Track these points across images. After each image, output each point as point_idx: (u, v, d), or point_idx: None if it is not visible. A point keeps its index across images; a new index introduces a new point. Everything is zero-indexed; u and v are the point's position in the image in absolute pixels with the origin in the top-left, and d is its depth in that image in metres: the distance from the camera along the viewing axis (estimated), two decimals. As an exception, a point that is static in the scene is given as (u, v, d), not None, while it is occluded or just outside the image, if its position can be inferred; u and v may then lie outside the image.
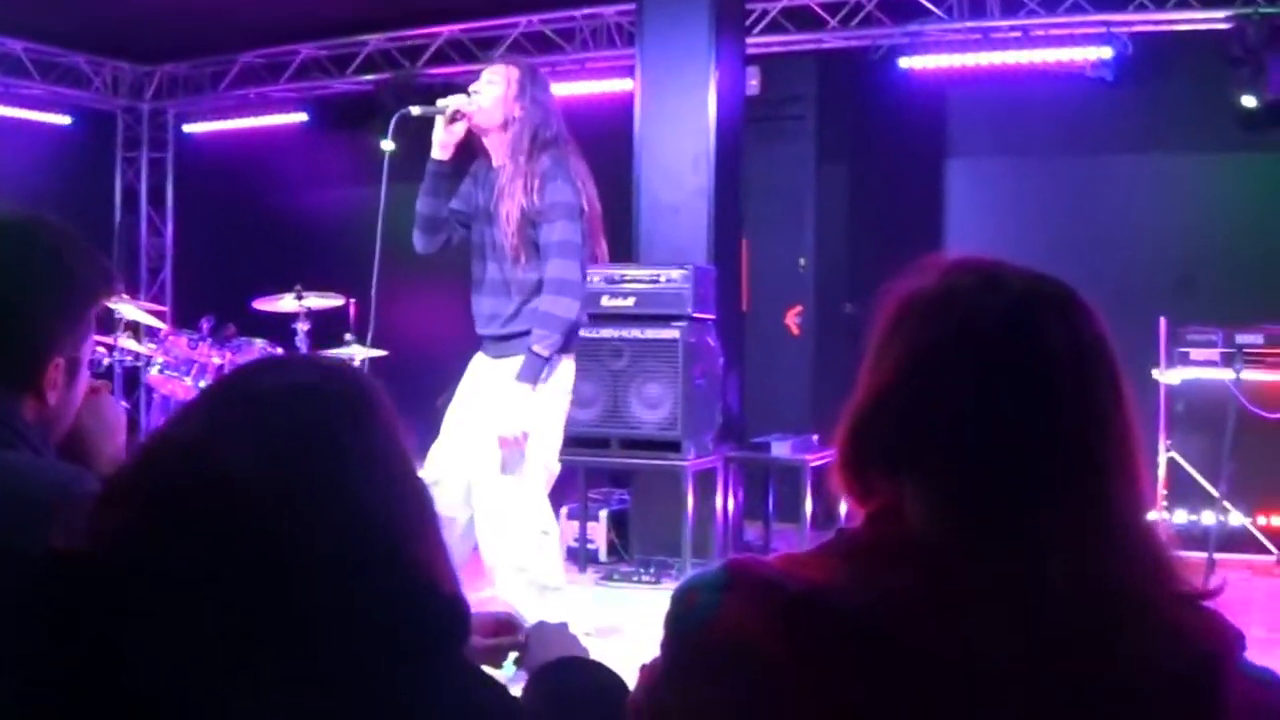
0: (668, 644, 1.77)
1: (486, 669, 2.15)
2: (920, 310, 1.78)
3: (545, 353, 6.10)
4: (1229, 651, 1.69)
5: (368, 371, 2.12)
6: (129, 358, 11.38)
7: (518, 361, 6.12)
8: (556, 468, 6.44)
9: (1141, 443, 1.77)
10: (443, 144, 6.32)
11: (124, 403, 11.70)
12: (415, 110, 6.35)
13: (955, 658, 1.62)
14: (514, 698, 2.01)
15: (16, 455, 2.33)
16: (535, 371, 6.10)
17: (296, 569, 1.79)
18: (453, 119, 6.31)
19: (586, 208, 6.31)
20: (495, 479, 6.14)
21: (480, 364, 6.46)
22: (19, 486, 2.20)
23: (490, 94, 6.28)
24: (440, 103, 6.34)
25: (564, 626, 2.54)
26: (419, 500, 1.98)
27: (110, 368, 11.18)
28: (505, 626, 2.58)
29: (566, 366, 6.33)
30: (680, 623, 1.75)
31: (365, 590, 1.81)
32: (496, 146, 6.33)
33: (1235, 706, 1.66)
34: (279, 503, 1.81)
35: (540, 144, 6.23)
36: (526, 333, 6.15)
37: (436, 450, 6.32)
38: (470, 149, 6.48)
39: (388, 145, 6.48)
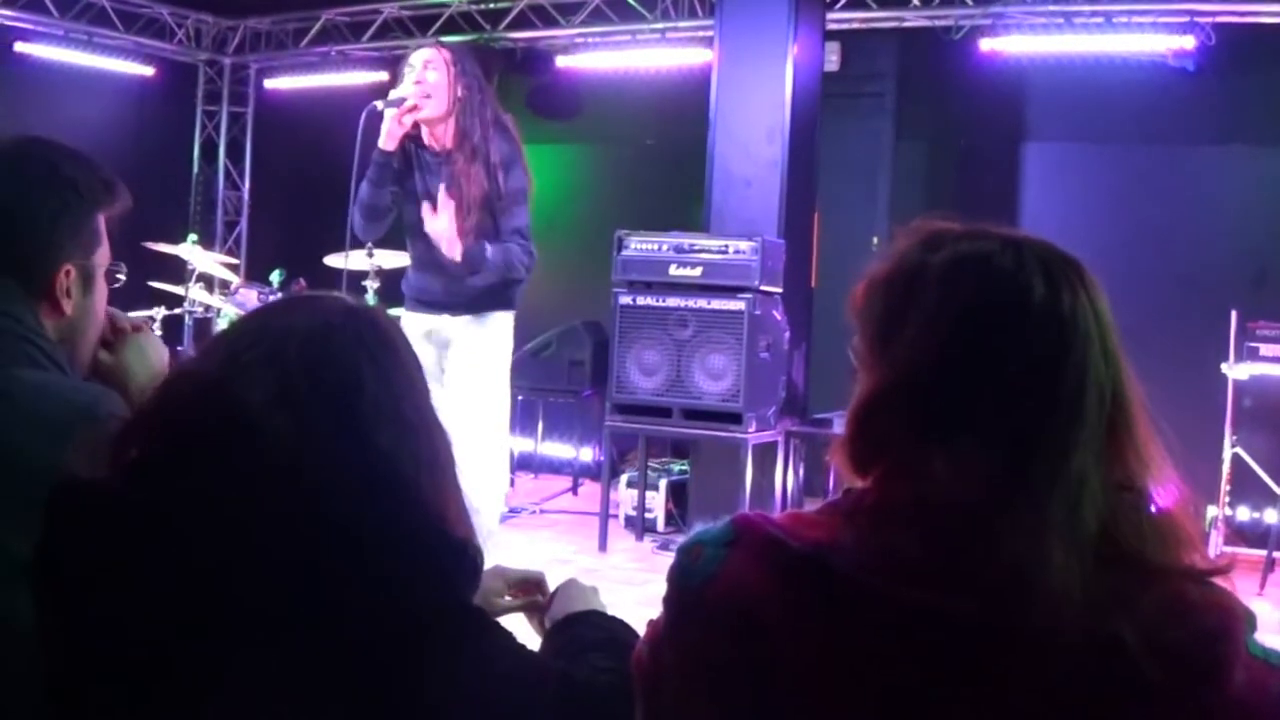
0: (670, 598, 1.80)
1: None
2: (942, 280, 1.79)
3: (487, 257, 6.42)
4: (1236, 629, 1.68)
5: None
6: (200, 308, 11.48)
7: (490, 317, 6.50)
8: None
9: (1148, 414, 1.78)
10: (392, 134, 6.41)
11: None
12: (380, 105, 6.43)
13: (962, 617, 1.62)
14: (520, 644, 2.02)
15: (44, 374, 2.37)
16: (476, 259, 6.43)
17: (306, 504, 1.81)
18: (409, 110, 6.39)
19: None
20: (476, 428, 6.32)
21: (436, 323, 6.63)
22: (43, 404, 2.24)
23: (435, 81, 6.37)
24: (394, 94, 6.41)
25: (594, 589, 2.54)
26: (433, 443, 2.00)
27: (181, 318, 11.28)
28: (530, 584, 2.59)
29: (510, 323, 6.68)
30: (684, 576, 1.78)
31: (372, 528, 1.83)
32: (441, 132, 6.44)
33: (1240, 685, 1.65)
34: (291, 439, 1.84)
35: (487, 125, 6.36)
36: (493, 299, 6.42)
37: None
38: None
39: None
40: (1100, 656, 1.61)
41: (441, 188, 6.40)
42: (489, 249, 6.38)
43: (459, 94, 6.40)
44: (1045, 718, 1.62)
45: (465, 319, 6.56)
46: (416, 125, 6.53)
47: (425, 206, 6.48)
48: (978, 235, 1.82)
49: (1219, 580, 1.74)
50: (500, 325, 6.60)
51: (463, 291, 6.56)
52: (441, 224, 6.32)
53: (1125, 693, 1.61)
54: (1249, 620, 1.72)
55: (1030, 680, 1.61)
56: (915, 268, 1.81)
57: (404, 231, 6.81)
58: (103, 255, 2.60)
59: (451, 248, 6.33)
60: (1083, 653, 1.60)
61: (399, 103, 6.37)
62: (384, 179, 6.50)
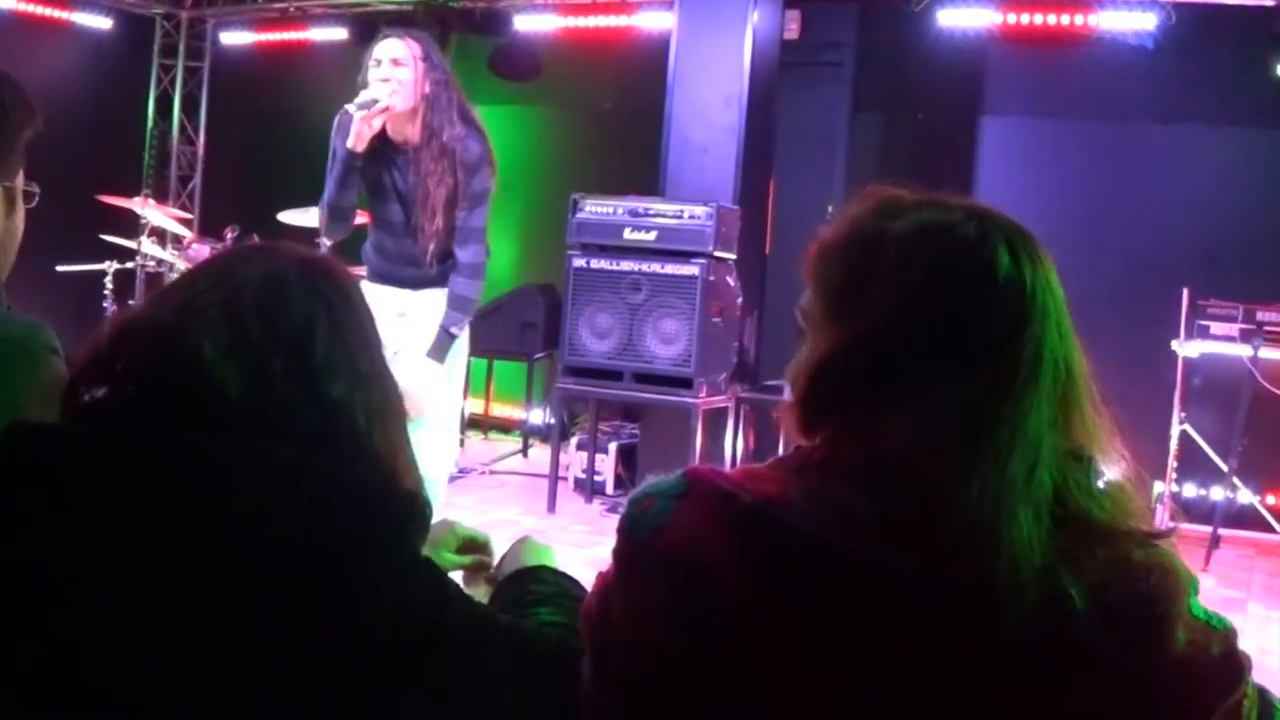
0: (620, 549, 1.81)
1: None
2: (903, 247, 1.80)
3: (457, 333, 6.33)
4: (1178, 590, 1.72)
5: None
6: (152, 263, 11.42)
7: (442, 294, 6.36)
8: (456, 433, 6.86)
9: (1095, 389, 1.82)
10: (360, 136, 6.24)
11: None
12: (351, 108, 6.25)
13: (910, 573, 1.63)
14: (469, 596, 2.02)
15: None
16: (445, 350, 6.31)
17: (257, 451, 1.82)
18: (380, 112, 6.25)
19: None
20: (429, 394, 6.31)
21: (395, 294, 6.55)
22: None
23: (404, 79, 6.23)
24: (364, 96, 6.24)
25: (548, 548, 2.53)
26: (385, 395, 2.01)
27: (133, 272, 11.23)
28: (476, 545, 2.58)
29: (466, 330, 6.54)
30: (634, 527, 1.78)
31: (323, 475, 1.83)
32: (406, 126, 6.32)
33: (1182, 646, 1.68)
34: (244, 387, 1.84)
35: (455, 123, 6.26)
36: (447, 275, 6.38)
37: None
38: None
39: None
40: (1049, 615, 1.62)
41: (406, 182, 6.34)
42: (451, 312, 6.39)
43: (426, 89, 6.25)
44: (992, 672, 1.63)
45: (425, 291, 6.50)
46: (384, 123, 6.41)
47: (392, 203, 6.45)
48: (939, 205, 1.84)
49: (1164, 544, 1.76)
50: None
51: (409, 283, 6.50)
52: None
53: (1071, 649, 1.63)
54: (1191, 583, 1.74)
55: (980, 635, 1.62)
56: (874, 233, 1.81)
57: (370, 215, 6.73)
58: (21, 176, 2.54)
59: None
60: (1034, 610, 1.62)
61: (370, 104, 6.25)
62: (350, 181, 6.37)
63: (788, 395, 1.90)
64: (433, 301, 6.43)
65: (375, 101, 6.16)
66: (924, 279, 1.76)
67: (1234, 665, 1.74)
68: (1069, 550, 1.67)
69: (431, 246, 6.27)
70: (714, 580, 1.67)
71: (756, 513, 1.69)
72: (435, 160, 6.21)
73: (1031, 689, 1.63)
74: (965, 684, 1.63)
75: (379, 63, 6.23)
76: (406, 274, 6.46)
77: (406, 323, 6.43)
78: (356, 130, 6.19)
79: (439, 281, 6.41)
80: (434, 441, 6.30)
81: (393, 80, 6.19)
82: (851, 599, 1.64)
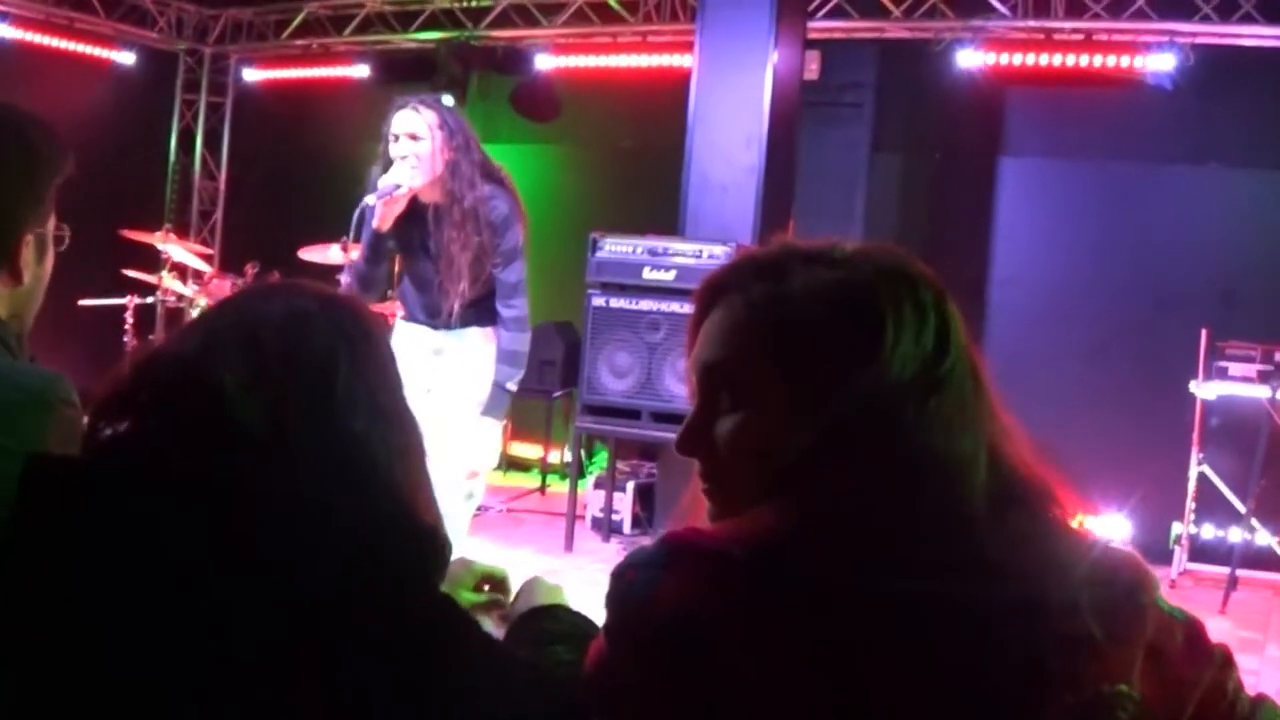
0: (610, 624, 1.76)
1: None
2: (887, 303, 1.80)
3: (513, 389, 6.37)
4: (1150, 583, 1.79)
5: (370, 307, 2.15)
6: (172, 298, 11.44)
7: (487, 330, 6.46)
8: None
9: None
10: (385, 218, 6.30)
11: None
12: (372, 200, 6.27)
13: (916, 599, 1.63)
14: (487, 633, 2.02)
15: None
16: (503, 407, 6.36)
17: (278, 485, 1.82)
18: (401, 197, 6.29)
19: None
20: (460, 434, 6.30)
21: (431, 334, 6.60)
22: None
23: (423, 153, 6.25)
24: (385, 182, 6.26)
25: (558, 587, 2.53)
26: (405, 432, 2.01)
27: (153, 306, 11.25)
28: (494, 581, 2.59)
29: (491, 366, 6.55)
30: (622, 602, 1.73)
31: (343, 510, 1.84)
32: (430, 190, 6.36)
33: (1152, 636, 1.75)
34: (265, 422, 1.85)
35: (478, 186, 6.30)
36: (489, 317, 6.44)
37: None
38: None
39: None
40: (1066, 621, 1.66)
41: (433, 242, 6.37)
42: (505, 368, 6.43)
43: (447, 157, 6.27)
44: (1015, 690, 1.63)
45: (460, 330, 6.52)
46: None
47: (422, 261, 6.50)
48: (867, 250, 1.91)
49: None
50: (493, 337, 6.56)
51: (438, 332, 6.53)
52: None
53: (1075, 650, 1.65)
54: (1154, 579, 1.82)
55: (998, 654, 1.63)
56: (866, 293, 1.81)
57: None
58: (51, 221, 2.57)
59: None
60: (1054, 621, 1.65)
61: (391, 190, 6.23)
62: (379, 257, 6.45)
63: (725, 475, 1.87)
64: (468, 339, 6.46)
65: (397, 187, 6.19)
66: (935, 334, 1.78)
67: (1200, 649, 1.82)
68: (1068, 555, 1.74)
69: (456, 307, 6.31)
70: (710, 642, 1.64)
71: (745, 565, 1.67)
72: (458, 226, 6.24)
73: (1051, 696, 1.65)
74: (987, 712, 1.64)
75: (397, 138, 6.26)
76: (437, 322, 6.49)
77: (442, 360, 6.46)
78: (380, 213, 6.24)
79: (473, 320, 6.45)
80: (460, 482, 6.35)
81: (411, 156, 6.21)
82: (864, 632, 1.63)
